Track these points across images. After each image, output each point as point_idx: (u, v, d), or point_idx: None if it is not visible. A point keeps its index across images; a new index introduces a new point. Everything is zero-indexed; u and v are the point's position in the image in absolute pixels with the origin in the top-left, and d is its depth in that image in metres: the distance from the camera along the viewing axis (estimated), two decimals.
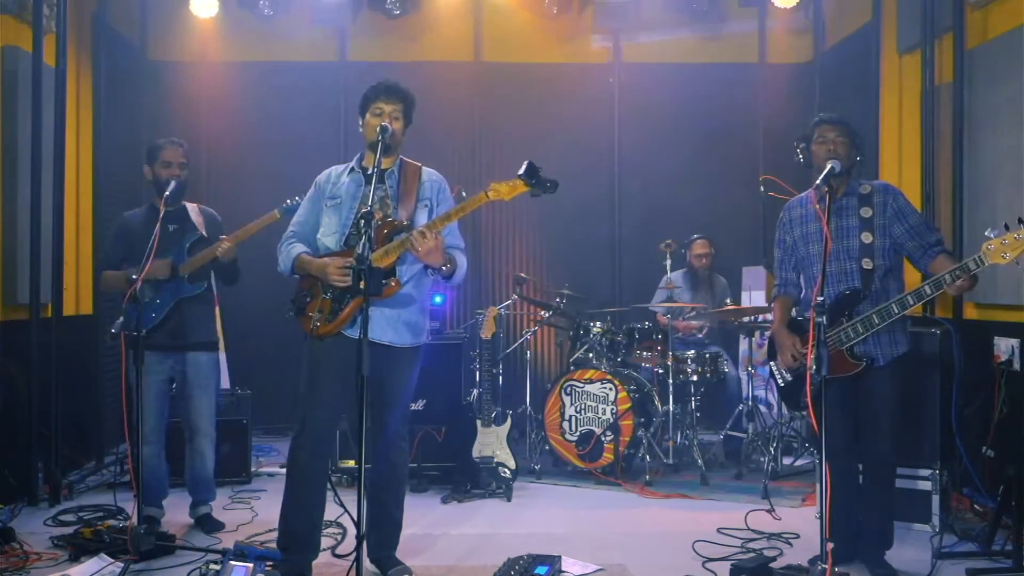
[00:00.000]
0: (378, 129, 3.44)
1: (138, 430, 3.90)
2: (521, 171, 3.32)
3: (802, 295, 3.88)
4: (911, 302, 3.42)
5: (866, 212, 3.64)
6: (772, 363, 3.92)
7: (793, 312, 3.90)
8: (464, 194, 5.38)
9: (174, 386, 4.42)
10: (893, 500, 3.75)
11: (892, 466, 3.73)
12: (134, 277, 3.81)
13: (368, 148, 3.58)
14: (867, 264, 3.60)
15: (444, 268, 3.48)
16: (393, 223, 3.50)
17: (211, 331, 4.46)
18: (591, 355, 5.74)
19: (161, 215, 3.99)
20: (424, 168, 3.68)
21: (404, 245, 3.43)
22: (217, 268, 4.37)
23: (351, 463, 5.22)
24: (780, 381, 3.89)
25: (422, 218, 3.55)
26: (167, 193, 4.08)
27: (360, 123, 3.61)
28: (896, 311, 3.46)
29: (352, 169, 3.65)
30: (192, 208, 4.43)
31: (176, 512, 4.60)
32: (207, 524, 4.44)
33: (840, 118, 3.73)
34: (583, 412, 5.51)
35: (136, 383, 3.82)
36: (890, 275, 3.65)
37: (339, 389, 3.52)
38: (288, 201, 4.12)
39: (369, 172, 3.44)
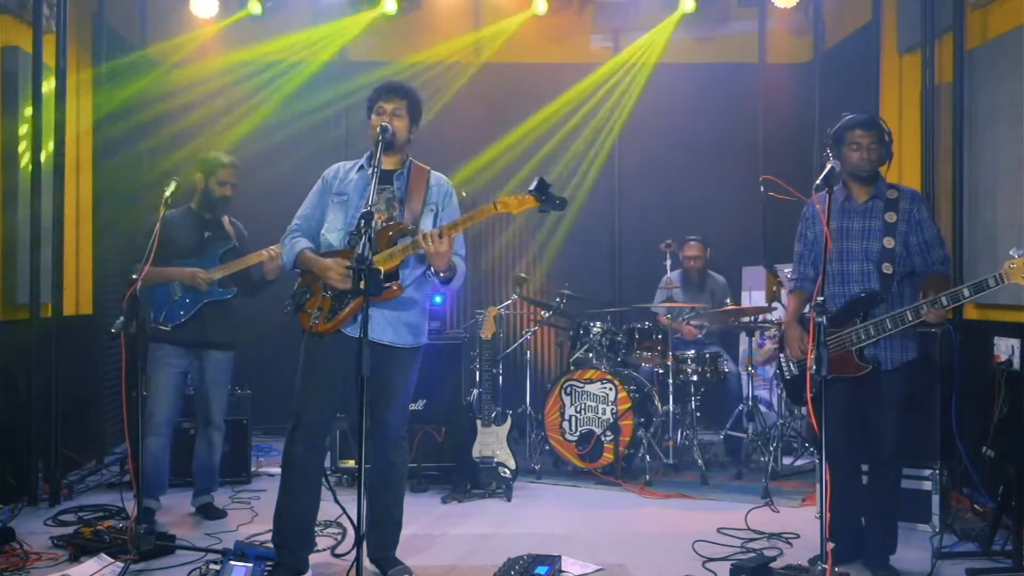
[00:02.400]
0: (378, 129, 3.45)
1: (138, 424, 3.89)
2: (532, 187, 3.34)
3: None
4: (945, 303, 3.39)
5: (891, 217, 3.62)
6: (781, 355, 3.93)
7: (808, 307, 3.90)
8: (464, 194, 5.40)
9: (189, 383, 4.58)
10: (898, 504, 3.74)
11: (896, 470, 3.72)
12: (134, 277, 3.82)
13: (373, 148, 3.58)
14: (887, 268, 3.58)
15: (443, 274, 3.49)
16: (398, 225, 3.50)
17: (231, 332, 4.62)
18: (591, 355, 5.74)
19: (161, 215, 4.02)
20: (432, 172, 3.68)
21: (409, 249, 3.43)
22: (248, 281, 4.58)
23: (351, 463, 5.22)
24: (787, 374, 3.90)
25: (428, 222, 3.55)
26: (167, 193, 4.12)
27: (369, 125, 3.61)
28: (910, 319, 3.44)
29: (361, 167, 3.65)
30: (224, 219, 4.63)
31: (177, 511, 4.61)
32: (210, 512, 4.57)
33: (872, 120, 3.65)
34: (583, 412, 5.51)
35: (140, 375, 3.83)
36: (906, 280, 3.64)
37: (335, 385, 3.52)
38: None
39: (369, 172, 3.44)
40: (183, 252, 4.43)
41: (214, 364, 4.54)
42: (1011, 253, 3.23)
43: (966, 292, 3.34)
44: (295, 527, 3.55)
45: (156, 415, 4.34)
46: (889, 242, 3.60)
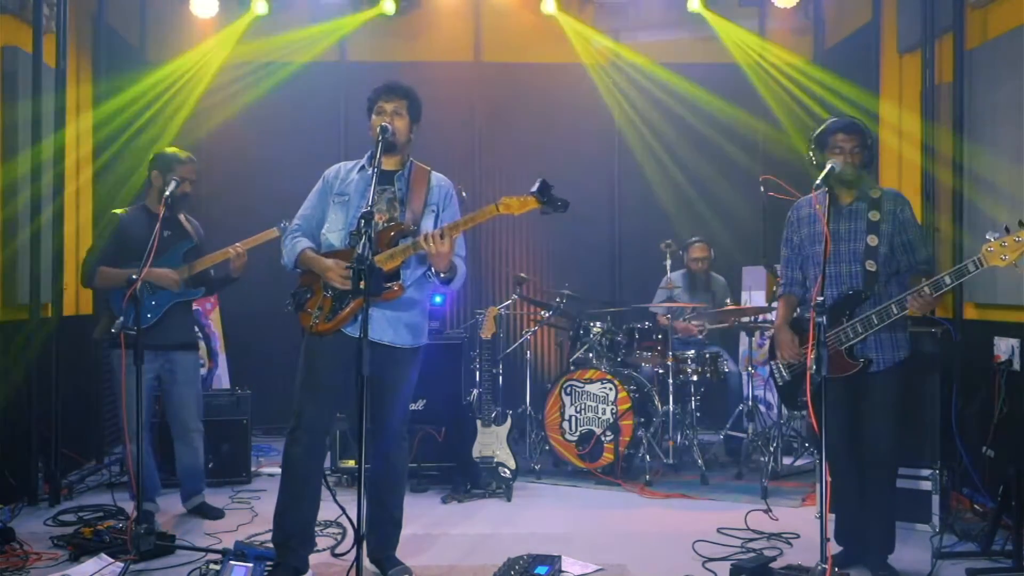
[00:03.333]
0: (379, 128, 3.45)
1: (138, 426, 3.90)
2: (534, 188, 3.35)
3: (807, 294, 3.86)
4: (909, 302, 3.41)
5: (874, 216, 3.63)
6: (772, 362, 3.92)
7: (797, 311, 3.89)
8: (464, 194, 5.40)
9: (159, 386, 4.54)
10: (895, 504, 3.73)
11: (892, 469, 3.71)
12: (134, 277, 3.82)
13: (374, 148, 3.58)
14: (871, 266, 3.59)
15: (443, 275, 3.49)
16: (399, 226, 3.51)
17: (193, 332, 4.68)
18: (591, 355, 5.74)
19: (161, 216, 4.03)
20: (433, 173, 3.69)
21: (410, 250, 3.44)
22: (207, 279, 4.55)
23: (351, 463, 5.22)
24: (779, 380, 3.88)
25: (428, 223, 3.56)
26: (167, 194, 4.13)
27: (369, 126, 3.61)
28: (895, 311, 3.45)
29: (362, 167, 3.65)
30: (180, 217, 4.57)
31: (175, 512, 4.62)
32: (207, 511, 4.58)
33: (855, 124, 3.65)
34: (583, 412, 5.51)
35: (136, 380, 3.83)
36: (893, 278, 3.64)
37: (336, 385, 3.53)
38: (286, 222, 4.01)
39: (369, 172, 3.44)
40: (143, 252, 4.06)
41: (184, 365, 4.50)
42: (987, 236, 3.23)
43: (947, 279, 3.34)
44: (295, 527, 3.55)
45: (133, 421, 4.15)
46: (872, 240, 3.61)
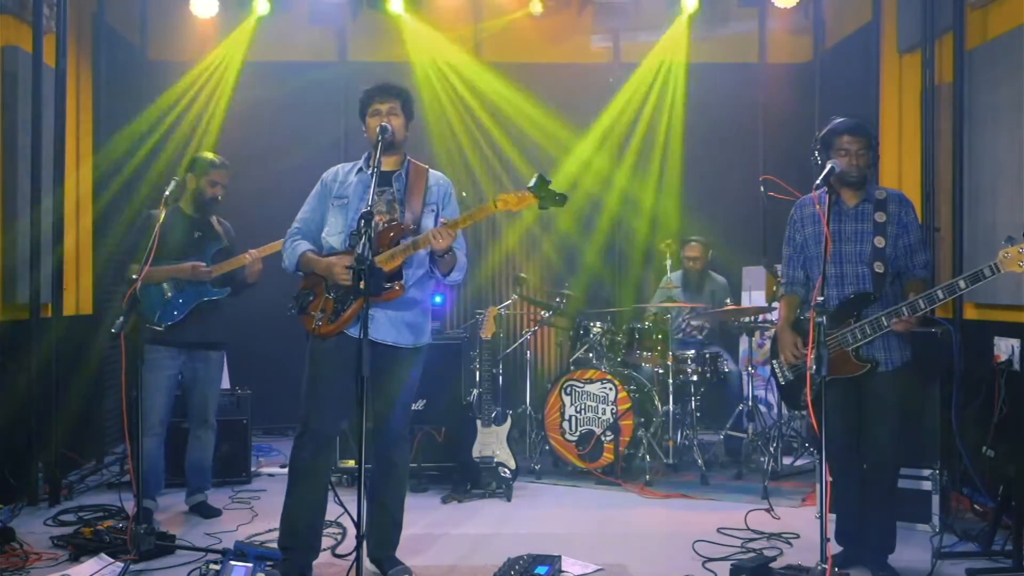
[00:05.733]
0: (377, 130, 3.45)
1: (138, 424, 3.90)
2: (531, 183, 3.34)
3: (809, 295, 3.85)
4: (922, 306, 3.39)
5: (880, 217, 3.62)
6: (774, 362, 3.90)
7: (799, 311, 3.88)
8: (464, 194, 5.40)
9: (180, 382, 4.59)
10: (895, 504, 3.72)
11: (894, 470, 3.71)
12: (134, 277, 3.83)
13: (373, 149, 3.58)
14: (879, 268, 3.58)
15: (446, 255, 3.46)
16: (399, 226, 3.50)
17: (222, 332, 4.69)
18: (591, 355, 5.74)
19: (161, 214, 4.03)
20: (431, 171, 3.68)
21: (410, 249, 3.44)
22: (234, 282, 4.61)
23: (351, 463, 5.22)
24: (781, 380, 3.87)
25: (428, 222, 3.56)
26: (167, 193, 4.14)
27: (363, 129, 3.62)
28: (906, 314, 3.44)
29: (360, 169, 3.65)
30: (212, 219, 4.66)
31: (174, 511, 4.62)
32: (205, 510, 4.60)
33: (861, 126, 3.61)
34: (583, 412, 5.51)
35: (138, 374, 3.83)
36: (898, 280, 3.64)
37: (342, 389, 3.50)
38: None
39: (369, 173, 3.44)
40: (175, 252, 4.42)
41: (208, 364, 4.58)
42: (1003, 243, 3.23)
43: (962, 284, 3.34)
44: (301, 533, 3.55)
45: (152, 416, 4.35)
46: (880, 241, 3.60)
